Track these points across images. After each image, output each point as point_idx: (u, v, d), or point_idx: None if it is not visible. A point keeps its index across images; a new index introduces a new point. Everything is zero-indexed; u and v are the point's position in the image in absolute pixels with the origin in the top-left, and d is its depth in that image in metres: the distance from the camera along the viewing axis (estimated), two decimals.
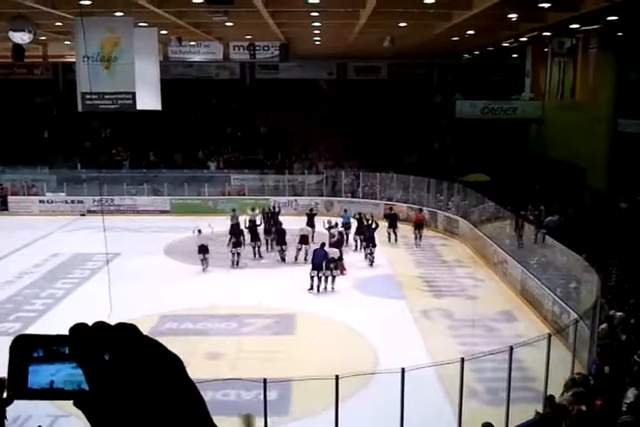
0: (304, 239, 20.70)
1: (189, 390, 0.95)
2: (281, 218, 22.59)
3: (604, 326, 12.29)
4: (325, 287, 17.81)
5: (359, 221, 22.28)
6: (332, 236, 20.52)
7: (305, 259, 20.07)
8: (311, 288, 17.72)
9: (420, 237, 23.28)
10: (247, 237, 21.26)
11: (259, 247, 21.34)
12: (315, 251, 18.47)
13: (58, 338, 0.93)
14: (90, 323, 0.93)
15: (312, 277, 17.71)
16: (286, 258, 20.87)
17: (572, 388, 10.00)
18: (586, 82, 25.56)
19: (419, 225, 23.48)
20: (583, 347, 11.74)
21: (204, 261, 19.68)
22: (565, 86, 27.92)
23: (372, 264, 20.39)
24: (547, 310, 15.28)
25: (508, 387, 9.93)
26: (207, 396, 3.98)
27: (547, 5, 17.30)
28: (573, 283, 14.44)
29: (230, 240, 20.43)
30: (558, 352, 11.27)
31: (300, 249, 20.60)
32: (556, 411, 8.93)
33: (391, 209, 24.75)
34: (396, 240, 23.23)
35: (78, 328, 0.92)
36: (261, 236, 21.69)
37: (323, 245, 18.77)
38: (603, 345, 11.83)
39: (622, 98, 23.77)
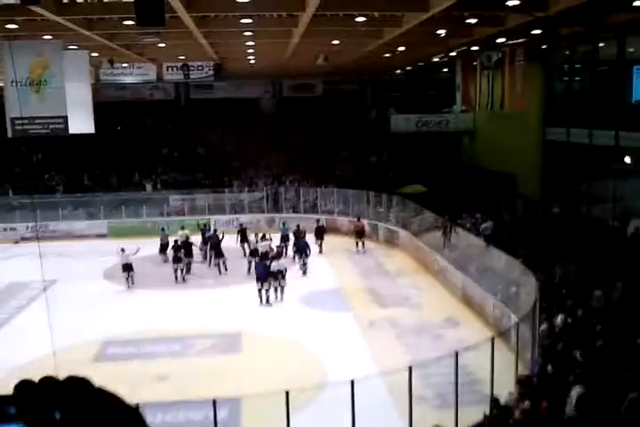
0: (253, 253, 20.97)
1: None
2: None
3: (544, 326, 12.64)
4: (276, 297, 18.04)
5: (296, 234, 22.67)
6: (270, 249, 20.73)
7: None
8: (261, 302, 17.83)
9: (363, 244, 23.98)
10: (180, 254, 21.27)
11: (189, 264, 21.41)
12: (256, 264, 18.93)
13: (2, 398, 0.85)
14: (36, 379, 0.85)
15: (259, 291, 17.88)
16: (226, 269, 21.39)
17: (518, 388, 10.25)
18: (514, 93, 26.45)
19: (359, 234, 24.19)
20: (525, 348, 12.04)
21: (129, 279, 20.20)
22: (495, 98, 28.84)
23: (305, 273, 20.93)
24: (488, 314, 15.62)
25: (456, 391, 10.08)
26: (157, 418, 3.96)
27: (473, 21, 17.93)
28: (513, 287, 14.81)
29: (172, 257, 20.95)
30: (502, 355, 11.52)
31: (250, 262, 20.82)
32: (502, 412, 9.12)
33: (318, 222, 25.18)
34: (320, 251, 23.64)
35: (24, 385, 0.84)
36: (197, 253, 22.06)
37: (263, 257, 19.14)
38: (544, 345, 12.15)
39: (549, 107, 24.67)
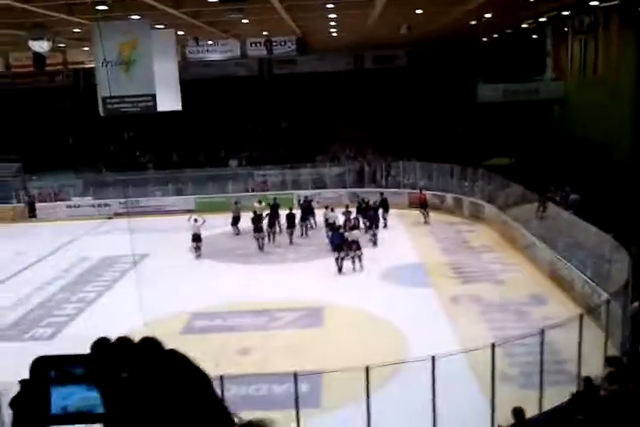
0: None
1: (216, 408, 0.89)
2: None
3: (635, 304, 12.08)
4: (354, 268, 18.57)
5: (367, 206, 23.25)
6: (348, 220, 21.32)
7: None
8: (339, 271, 18.51)
9: (427, 214, 24.38)
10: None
11: (262, 239, 21.93)
12: (332, 234, 19.74)
13: (71, 358, 0.87)
14: (114, 337, 0.85)
15: (336, 260, 18.65)
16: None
17: (607, 368, 9.87)
18: (607, 59, 25.16)
19: (423, 205, 24.60)
20: (616, 327, 11.55)
21: (198, 249, 21.06)
22: (587, 64, 27.53)
23: (375, 244, 21.24)
24: (577, 291, 15.07)
25: (541, 370, 9.82)
26: (240, 391, 4.01)
27: None
28: (604, 263, 14.20)
29: (253, 228, 21.91)
30: (591, 333, 11.10)
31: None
32: (590, 391, 8.81)
33: (382, 195, 25.20)
34: (385, 225, 23.79)
35: (99, 345, 0.87)
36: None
37: (338, 228, 20.24)
38: (635, 324, 11.63)
39: None
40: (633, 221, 17.22)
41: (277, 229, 22.91)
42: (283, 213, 23.07)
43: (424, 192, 25.52)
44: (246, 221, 22.67)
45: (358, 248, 18.80)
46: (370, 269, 18.83)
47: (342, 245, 18.74)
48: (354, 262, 18.65)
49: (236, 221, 23.66)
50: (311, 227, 23.65)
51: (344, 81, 37.32)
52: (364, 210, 22.86)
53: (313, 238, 22.75)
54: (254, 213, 22.43)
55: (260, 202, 24.16)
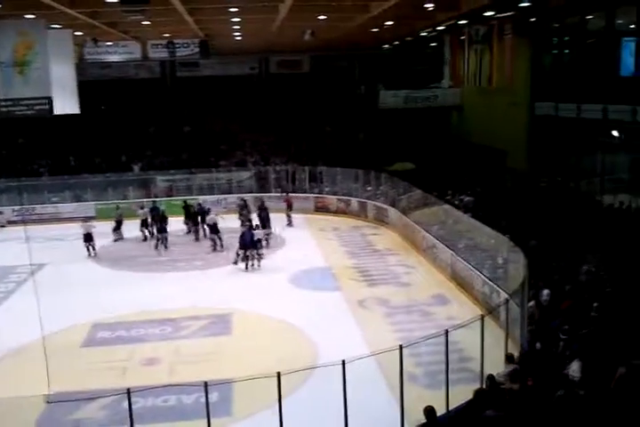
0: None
1: None
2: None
3: (531, 303, 12.68)
4: (253, 264, 19.45)
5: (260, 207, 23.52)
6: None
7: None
8: (235, 263, 19.46)
9: (289, 216, 25.37)
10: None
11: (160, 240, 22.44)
12: (244, 232, 19.92)
13: None
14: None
15: (238, 255, 19.49)
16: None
17: (508, 365, 10.30)
18: (502, 68, 26.33)
19: (289, 207, 25.67)
20: (515, 325, 12.08)
21: (90, 248, 21.78)
22: (483, 73, 28.71)
23: (268, 244, 21.72)
24: (477, 291, 15.66)
25: (447, 370, 10.09)
26: (148, 402, 3.91)
27: None
28: (501, 263, 14.83)
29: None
30: (492, 332, 11.54)
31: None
32: (493, 388, 9.16)
33: (287, 194, 26.46)
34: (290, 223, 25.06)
35: None
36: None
37: (251, 227, 20.75)
38: (532, 323, 12.21)
39: (538, 82, 24.52)
40: (527, 222, 18.13)
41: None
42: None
43: (289, 195, 26.48)
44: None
45: (262, 246, 19.92)
46: (277, 273, 18.84)
47: (251, 243, 19.38)
48: (256, 260, 19.46)
49: (118, 226, 23.82)
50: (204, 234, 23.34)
51: (248, 85, 37.23)
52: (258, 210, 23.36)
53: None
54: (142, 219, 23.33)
55: (142, 207, 24.36)
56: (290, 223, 25.07)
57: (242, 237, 19.64)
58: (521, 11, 21.93)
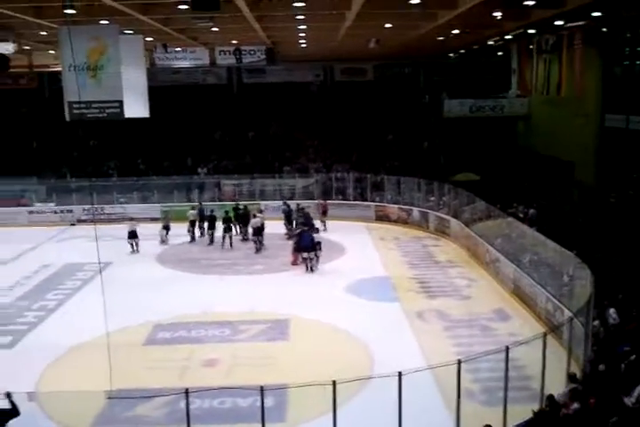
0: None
1: None
2: None
3: (596, 322, 12.30)
4: (312, 268, 19.93)
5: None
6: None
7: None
8: (307, 269, 19.89)
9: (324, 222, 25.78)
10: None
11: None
12: (303, 234, 20.35)
13: None
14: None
15: (304, 259, 19.99)
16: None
17: (569, 385, 10.02)
18: (572, 78, 25.68)
19: (324, 213, 26.29)
20: (578, 344, 11.73)
21: (134, 245, 22.96)
22: (551, 82, 28.05)
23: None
24: (540, 307, 15.28)
25: (506, 387, 9.88)
26: (205, 404, 3.99)
27: (531, 3, 17.36)
28: (566, 280, 14.43)
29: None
30: (554, 350, 11.24)
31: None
32: (553, 409, 8.92)
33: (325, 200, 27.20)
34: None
35: None
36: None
37: (310, 229, 21.29)
38: (596, 342, 11.84)
39: (608, 93, 23.85)
40: (594, 239, 17.60)
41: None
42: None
43: (326, 201, 26.99)
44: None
45: (320, 248, 20.13)
46: (335, 281, 18.84)
47: (310, 245, 19.84)
48: (313, 261, 19.91)
49: (166, 230, 24.45)
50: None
51: (312, 92, 37.48)
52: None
53: (278, 249, 22.64)
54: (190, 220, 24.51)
55: (193, 208, 25.28)
56: (324, 229, 25.23)
57: (301, 238, 20.04)
58: (592, 20, 21.38)
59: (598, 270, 13.36)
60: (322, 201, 27.02)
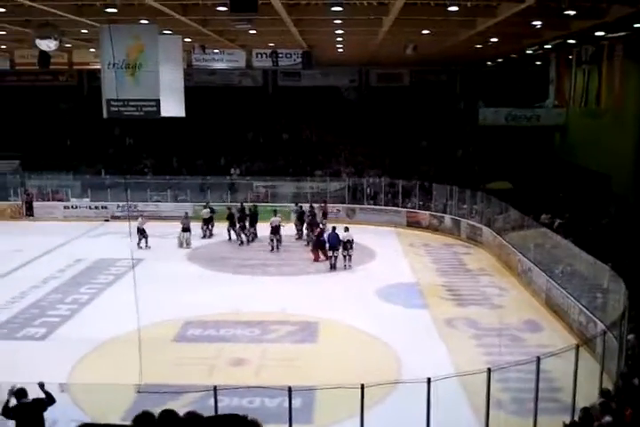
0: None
1: None
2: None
3: (631, 336, 12.10)
4: (344, 265, 20.58)
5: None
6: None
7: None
8: (333, 268, 20.49)
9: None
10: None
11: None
12: (329, 234, 21.04)
13: None
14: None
15: (330, 257, 20.57)
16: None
17: (600, 398, 9.86)
18: (611, 89, 25.32)
19: (324, 215, 26.44)
20: (611, 358, 11.56)
21: (143, 240, 23.28)
22: (590, 94, 27.65)
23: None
24: (572, 319, 15.09)
25: (536, 398, 9.78)
26: (233, 402, 4.02)
27: (572, 13, 17.17)
28: (600, 293, 14.23)
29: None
30: (586, 363, 11.08)
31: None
32: (586, 422, 8.79)
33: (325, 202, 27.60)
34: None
35: (143, 418, 0.84)
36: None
37: (334, 228, 21.51)
38: (631, 356, 11.64)
39: None
40: (630, 253, 17.32)
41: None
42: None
43: (327, 204, 27.42)
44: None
45: (352, 247, 20.66)
46: (365, 285, 18.84)
47: (338, 244, 20.48)
48: (344, 260, 20.56)
49: (185, 231, 24.31)
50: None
51: (348, 97, 37.53)
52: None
53: (303, 252, 22.80)
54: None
55: (205, 207, 25.87)
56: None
57: (328, 237, 20.69)
58: (634, 32, 21.07)
59: (633, 284, 13.17)
60: (322, 204, 27.22)
